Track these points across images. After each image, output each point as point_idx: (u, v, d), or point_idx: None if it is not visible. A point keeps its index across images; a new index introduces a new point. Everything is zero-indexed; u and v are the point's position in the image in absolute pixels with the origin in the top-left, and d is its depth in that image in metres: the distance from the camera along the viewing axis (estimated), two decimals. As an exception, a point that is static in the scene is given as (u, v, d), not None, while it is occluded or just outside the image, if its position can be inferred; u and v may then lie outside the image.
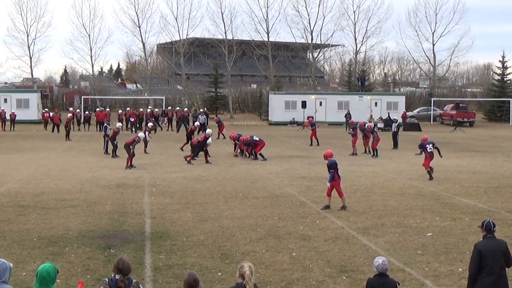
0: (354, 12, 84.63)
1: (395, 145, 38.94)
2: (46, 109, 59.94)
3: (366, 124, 36.48)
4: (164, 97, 72.12)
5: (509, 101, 69.79)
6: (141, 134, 31.38)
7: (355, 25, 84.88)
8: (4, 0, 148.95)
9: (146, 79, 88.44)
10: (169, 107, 62.76)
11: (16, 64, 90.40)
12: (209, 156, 31.00)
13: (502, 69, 77.14)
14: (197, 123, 41.25)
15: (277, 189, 22.86)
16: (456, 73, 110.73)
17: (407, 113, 65.37)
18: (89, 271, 12.39)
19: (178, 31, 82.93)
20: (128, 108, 61.20)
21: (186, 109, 62.56)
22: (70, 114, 47.78)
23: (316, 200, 20.30)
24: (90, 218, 17.39)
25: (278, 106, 65.15)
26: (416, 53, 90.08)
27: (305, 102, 62.10)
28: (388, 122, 56.18)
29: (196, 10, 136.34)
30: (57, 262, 12.12)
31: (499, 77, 78.61)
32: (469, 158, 33.57)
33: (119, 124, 36.20)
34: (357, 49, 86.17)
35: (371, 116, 60.83)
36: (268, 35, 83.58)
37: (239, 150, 34.07)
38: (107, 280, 7.67)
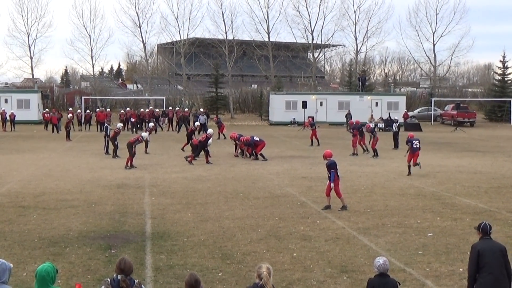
0: (355, 12, 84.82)
1: (396, 145, 38.93)
2: (47, 110, 59.93)
3: (367, 124, 36.53)
4: (164, 98, 72.21)
5: (510, 101, 69.72)
6: (144, 134, 31.39)
7: (355, 25, 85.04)
8: (5, 1, 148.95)
9: (147, 80, 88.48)
10: (170, 108, 62.74)
11: (17, 64, 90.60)
12: (210, 157, 31.00)
13: (502, 69, 77.10)
14: (197, 123, 41.22)
15: (277, 189, 22.86)
16: (457, 73, 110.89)
17: (408, 113, 65.48)
18: (90, 272, 12.39)
19: (179, 31, 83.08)
20: (127, 109, 61.19)
21: (186, 109, 62.57)
22: (70, 115, 47.79)
23: (316, 200, 20.29)
24: (91, 219, 17.40)
25: (279, 106, 65.15)
26: (417, 53, 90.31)
27: (305, 102, 62.12)
28: (388, 122, 56.19)
29: (196, 10, 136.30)
30: (58, 263, 12.13)
31: (499, 77, 78.58)
32: (470, 158, 33.56)
33: (120, 125, 36.19)
34: (358, 49, 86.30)
35: (372, 116, 60.83)
36: (268, 35, 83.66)
37: (239, 151, 34.08)
38: (109, 280, 7.67)
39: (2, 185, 23.21)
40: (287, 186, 23.45)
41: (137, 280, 7.79)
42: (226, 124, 56.18)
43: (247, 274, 12.17)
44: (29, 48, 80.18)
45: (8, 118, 54.66)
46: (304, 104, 61.83)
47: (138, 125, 54.94)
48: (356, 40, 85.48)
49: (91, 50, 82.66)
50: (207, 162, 30.43)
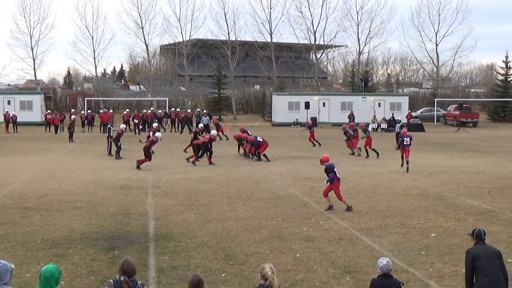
0: (357, 12, 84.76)
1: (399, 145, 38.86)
2: (49, 111, 59.92)
3: (361, 123, 36.57)
4: (167, 99, 72.24)
5: (513, 101, 69.74)
6: (158, 134, 31.33)
7: (358, 25, 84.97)
8: (8, 2, 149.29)
9: (149, 81, 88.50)
10: (172, 109, 62.76)
11: (20, 66, 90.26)
12: (213, 158, 30.99)
13: (505, 69, 76.99)
14: (201, 124, 41.17)
15: (280, 190, 22.86)
16: (460, 74, 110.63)
17: (412, 114, 65.49)
18: (93, 273, 12.40)
19: (181, 32, 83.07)
20: (127, 110, 61.15)
21: (189, 110, 62.61)
22: (73, 116, 47.81)
23: (319, 201, 20.28)
24: (94, 220, 17.41)
25: (282, 107, 65.15)
26: (419, 54, 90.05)
27: (308, 103, 62.15)
28: (391, 122, 56.16)
29: (199, 11, 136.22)
30: (61, 264, 12.12)
31: (502, 77, 78.49)
32: (473, 159, 33.54)
33: (122, 126, 36.24)
34: (360, 50, 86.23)
35: (375, 116, 60.84)
36: (271, 36, 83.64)
37: (243, 151, 34.10)
38: (112, 281, 7.68)
39: (5, 187, 23.23)
40: (290, 187, 23.45)
41: (140, 281, 7.79)
42: (229, 125, 56.29)
43: (250, 275, 12.17)
44: (32, 49, 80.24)
45: (10, 119, 54.70)
46: (307, 105, 61.86)
47: (141, 126, 54.96)
48: (358, 40, 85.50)
49: (94, 51, 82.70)
50: (210, 163, 30.43)
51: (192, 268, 12.61)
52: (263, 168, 28.98)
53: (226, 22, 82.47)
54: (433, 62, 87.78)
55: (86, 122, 57.16)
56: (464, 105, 66.81)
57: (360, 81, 74.43)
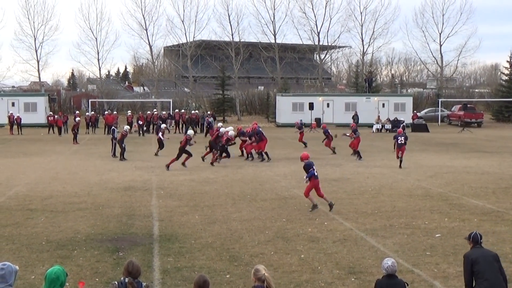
0: (361, 13, 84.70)
1: None
2: (51, 113, 59.92)
3: (352, 124, 36.51)
4: (171, 100, 72.25)
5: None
6: (190, 132, 31.39)
7: (362, 26, 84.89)
8: (12, 4, 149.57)
9: (153, 82, 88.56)
10: (176, 110, 62.81)
11: (24, 67, 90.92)
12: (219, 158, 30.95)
13: (509, 69, 76.80)
14: (222, 125, 40.18)
15: (285, 191, 22.85)
16: (464, 74, 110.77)
17: (417, 114, 65.44)
18: (97, 274, 12.40)
19: (185, 34, 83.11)
20: (129, 112, 61.23)
21: (196, 111, 62.65)
22: (78, 118, 47.83)
23: (324, 202, 20.23)
24: (99, 221, 17.42)
25: (286, 108, 65.14)
26: (423, 54, 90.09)
27: (312, 103, 62.16)
28: (395, 123, 56.10)
29: (202, 13, 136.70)
30: (66, 266, 12.13)
31: (506, 77, 78.32)
32: (477, 159, 33.49)
33: (126, 127, 36.29)
34: (364, 50, 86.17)
35: (379, 117, 60.77)
36: (275, 37, 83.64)
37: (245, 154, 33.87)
38: (116, 283, 7.68)
39: (10, 188, 23.26)
40: (294, 188, 23.43)
41: (145, 283, 7.80)
42: (234, 126, 56.15)
43: (255, 276, 12.15)
44: (36, 51, 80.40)
45: (15, 121, 54.81)
46: (311, 106, 61.87)
47: (146, 128, 55.01)
48: (362, 41, 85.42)
49: (98, 53, 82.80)
50: (212, 163, 30.34)
51: (196, 269, 12.61)
52: (268, 169, 28.98)
53: (230, 23, 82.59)
54: (437, 63, 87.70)
55: (90, 123, 57.23)
56: (468, 106, 66.71)
57: (364, 82, 74.40)
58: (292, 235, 15.83)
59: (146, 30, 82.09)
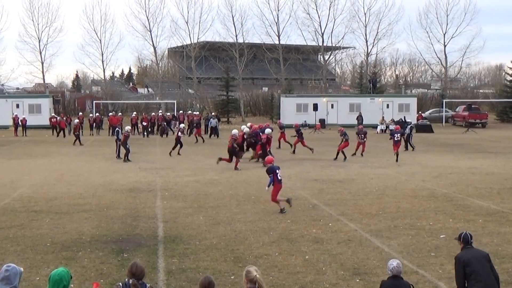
0: (365, 14, 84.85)
1: (407, 147, 38.73)
2: (53, 115, 59.94)
3: (340, 128, 36.43)
4: (175, 101, 72.32)
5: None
6: (235, 131, 31.56)
7: (366, 27, 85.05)
8: (16, 6, 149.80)
9: (158, 83, 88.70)
10: (181, 111, 62.86)
11: (28, 69, 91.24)
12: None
13: (514, 70, 76.78)
14: (182, 124, 39.86)
15: (289, 192, 22.78)
16: (468, 74, 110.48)
17: (422, 115, 65.35)
18: (102, 276, 12.41)
19: (189, 35, 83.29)
20: (134, 113, 61.25)
21: (196, 112, 62.68)
22: (77, 120, 47.76)
23: (328, 203, 20.26)
24: (103, 223, 17.43)
25: (290, 109, 65.16)
26: (428, 55, 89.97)
27: (316, 104, 62.14)
28: (401, 124, 55.90)
29: (206, 14, 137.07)
30: (71, 267, 12.14)
31: (511, 78, 78.20)
32: (482, 160, 33.43)
33: (128, 128, 36.36)
34: (368, 51, 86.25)
35: (383, 118, 60.73)
36: (279, 38, 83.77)
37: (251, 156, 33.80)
38: (121, 284, 7.68)
39: (15, 190, 23.30)
40: (299, 189, 23.42)
41: (149, 284, 7.79)
42: (238, 127, 56.09)
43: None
44: (40, 53, 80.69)
45: (20, 123, 54.92)
46: (315, 107, 61.85)
47: (150, 129, 55.02)
48: (366, 42, 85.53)
49: (102, 54, 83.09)
50: (231, 161, 30.26)
51: (201, 270, 12.61)
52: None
53: (234, 24, 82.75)
54: (441, 63, 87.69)
55: (94, 125, 57.28)
56: (472, 106, 66.58)
57: (368, 83, 74.40)
58: (297, 236, 15.82)
59: (150, 31, 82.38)
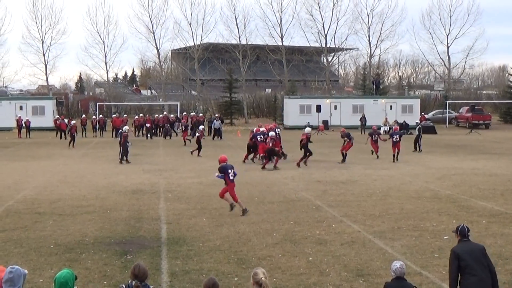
0: (368, 15, 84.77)
1: (415, 148, 38.62)
2: (57, 117, 59.91)
3: (342, 129, 36.41)
4: (179, 103, 72.33)
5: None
6: (308, 129, 32.58)
7: (369, 28, 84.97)
8: (19, 8, 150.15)
9: (161, 85, 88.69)
10: (184, 113, 62.88)
11: (31, 71, 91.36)
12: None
13: (517, 71, 76.70)
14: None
15: (292, 193, 22.83)
16: (471, 75, 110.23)
17: (425, 116, 65.26)
18: (106, 277, 12.42)
19: (192, 37, 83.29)
20: (140, 115, 61.28)
21: (201, 114, 62.69)
22: (73, 121, 47.74)
23: (332, 204, 20.25)
24: (107, 224, 17.44)
25: (293, 110, 65.18)
26: (431, 56, 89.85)
27: (319, 106, 62.15)
28: (403, 126, 55.87)
29: (209, 16, 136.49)
30: (74, 269, 12.12)
31: (514, 79, 78.18)
32: (485, 161, 33.40)
33: (125, 128, 36.28)
34: (371, 52, 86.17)
35: (386, 119, 60.70)
36: (282, 39, 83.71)
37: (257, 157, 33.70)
38: (124, 286, 7.70)
39: (18, 192, 23.32)
40: (302, 190, 23.42)
41: (152, 286, 7.80)
42: (241, 129, 56.21)
43: (263, 279, 12.13)
44: (44, 55, 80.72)
45: (23, 125, 54.98)
46: (318, 108, 61.85)
47: (153, 131, 55.03)
48: (369, 43, 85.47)
49: (105, 56, 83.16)
50: (275, 166, 30.31)
51: (204, 272, 12.61)
52: (275, 172, 28.96)
53: (237, 26, 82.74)
54: (444, 64, 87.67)
55: (98, 127, 57.30)
56: (476, 107, 66.59)
57: (372, 84, 74.34)
58: (300, 237, 15.82)
59: (154, 33, 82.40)
